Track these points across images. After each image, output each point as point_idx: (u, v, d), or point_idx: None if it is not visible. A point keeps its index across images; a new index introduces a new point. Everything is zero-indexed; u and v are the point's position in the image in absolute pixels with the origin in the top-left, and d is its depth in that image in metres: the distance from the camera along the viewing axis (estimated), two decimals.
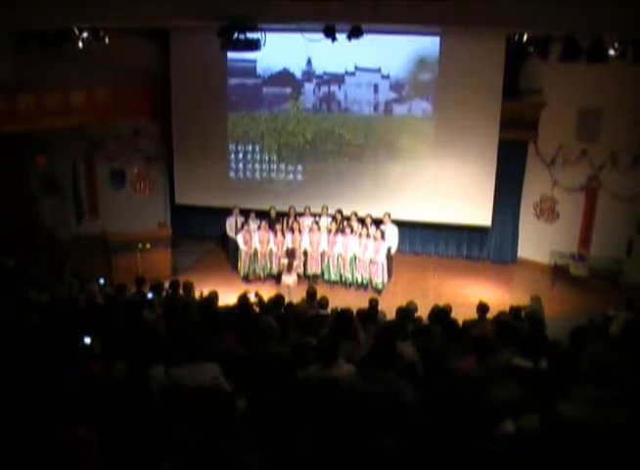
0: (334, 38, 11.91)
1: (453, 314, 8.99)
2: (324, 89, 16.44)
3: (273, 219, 15.45)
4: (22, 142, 15.78)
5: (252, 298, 10.56)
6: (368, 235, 14.52)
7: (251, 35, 12.14)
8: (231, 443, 4.13)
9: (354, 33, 11.71)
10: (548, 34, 11.58)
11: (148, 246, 14.90)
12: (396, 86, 16.07)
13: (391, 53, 15.70)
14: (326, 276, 15.10)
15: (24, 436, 3.89)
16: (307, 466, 3.97)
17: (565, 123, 15.11)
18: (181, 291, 10.63)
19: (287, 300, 10.32)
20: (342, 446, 4.19)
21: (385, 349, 5.46)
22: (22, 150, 16.40)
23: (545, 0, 10.11)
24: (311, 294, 10.33)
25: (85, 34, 13.13)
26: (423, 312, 9.35)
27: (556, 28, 11.04)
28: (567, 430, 4.08)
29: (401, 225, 15.47)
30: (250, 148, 17.35)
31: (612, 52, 11.03)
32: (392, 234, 14.95)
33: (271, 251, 15.04)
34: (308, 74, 16.42)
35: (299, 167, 17.21)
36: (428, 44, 15.56)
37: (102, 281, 12.52)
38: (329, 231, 14.91)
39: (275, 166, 17.34)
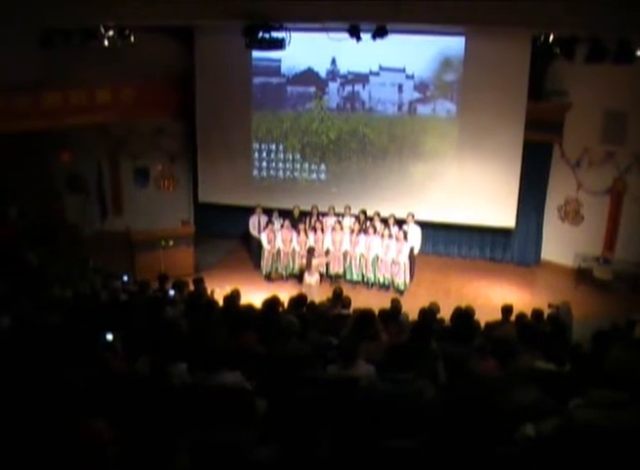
0: (358, 38, 11.89)
1: (475, 316, 8.95)
2: (348, 89, 16.41)
3: (296, 219, 15.47)
4: (47, 139, 15.93)
5: None
6: (390, 235, 14.49)
7: (275, 34, 12.15)
8: (250, 439, 4.14)
9: (379, 33, 11.68)
10: (574, 35, 11.49)
11: (171, 243, 14.98)
12: (421, 86, 16.00)
13: (416, 53, 15.63)
14: (348, 276, 15.09)
15: (42, 430, 3.91)
16: (325, 466, 3.96)
17: (590, 125, 14.96)
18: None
19: (309, 299, 10.31)
20: (360, 446, 4.18)
21: (409, 348, 5.42)
22: (46, 147, 16.56)
23: (571, 0, 10.04)
24: (338, 294, 10.29)
25: (111, 32, 13.24)
26: (445, 314, 9.31)
27: (582, 29, 10.94)
28: (580, 433, 4.05)
29: (424, 226, 15.42)
30: (273, 147, 17.36)
31: (639, 53, 10.93)
32: (415, 235, 14.90)
33: (294, 250, 15.06)
34: (333, 74, 16.38)
35: (323, 167, 17.18)
36: (452, 44, 15.48)
37: (125, 278, 12.62)
38: (351, 231, 14.89)
39: (298, 166, 17.32)
